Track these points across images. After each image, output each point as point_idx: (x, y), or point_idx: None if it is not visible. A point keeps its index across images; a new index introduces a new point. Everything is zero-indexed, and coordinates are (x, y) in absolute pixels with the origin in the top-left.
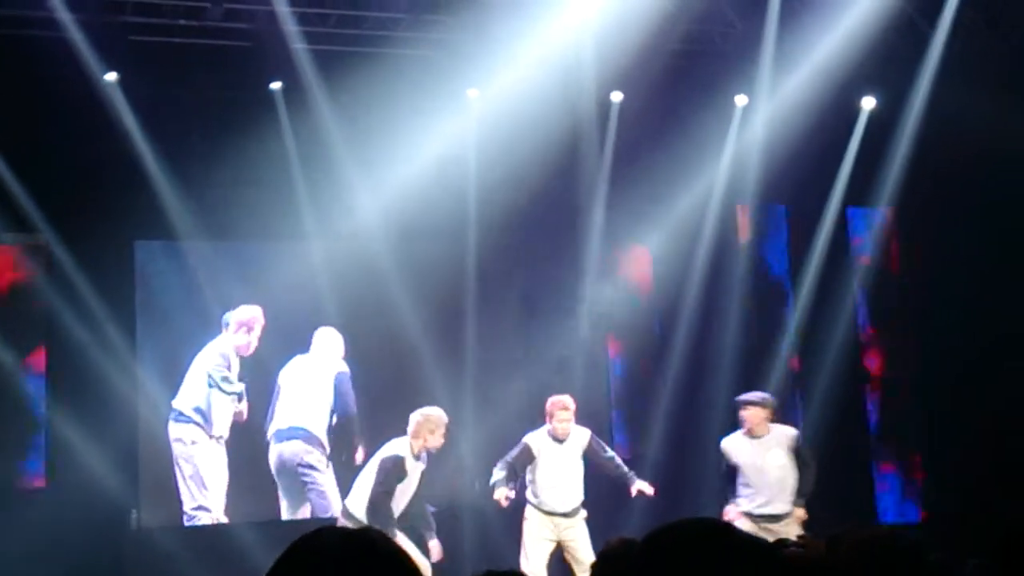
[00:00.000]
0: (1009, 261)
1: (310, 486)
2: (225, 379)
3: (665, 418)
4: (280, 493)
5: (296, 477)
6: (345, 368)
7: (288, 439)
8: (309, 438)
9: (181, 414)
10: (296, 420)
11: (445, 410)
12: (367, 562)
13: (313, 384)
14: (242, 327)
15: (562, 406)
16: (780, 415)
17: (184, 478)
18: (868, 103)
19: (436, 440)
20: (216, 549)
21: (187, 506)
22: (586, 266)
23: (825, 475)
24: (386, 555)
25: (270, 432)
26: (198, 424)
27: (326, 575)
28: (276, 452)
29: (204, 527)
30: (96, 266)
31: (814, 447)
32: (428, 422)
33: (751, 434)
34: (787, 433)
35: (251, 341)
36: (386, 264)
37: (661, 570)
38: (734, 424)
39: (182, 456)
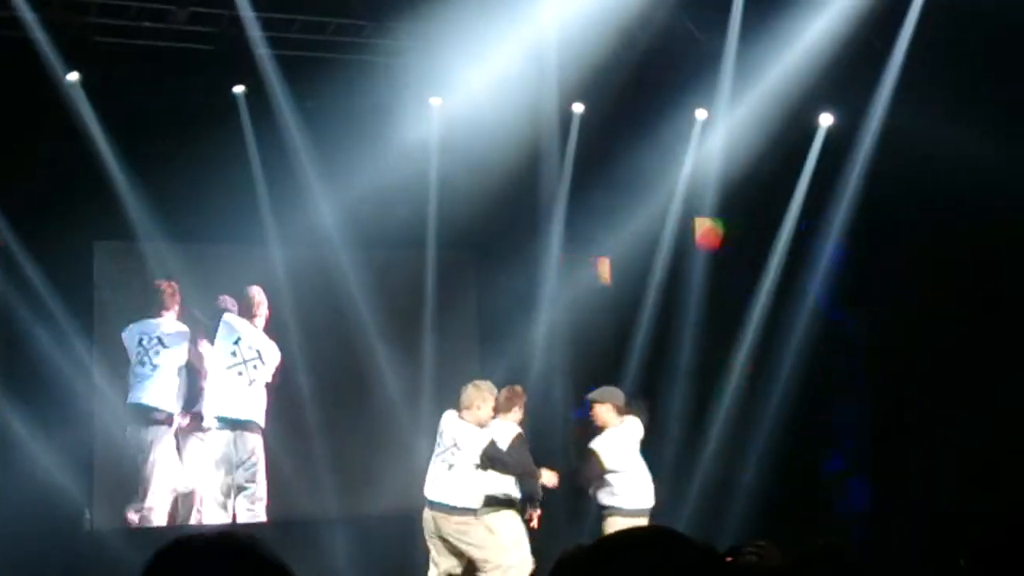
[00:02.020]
0: (963, 279)
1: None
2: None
3: None
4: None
5: None
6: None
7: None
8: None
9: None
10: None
11: (401, 417)
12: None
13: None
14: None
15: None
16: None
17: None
18: (826, 120)
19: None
20: None
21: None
22: (545, 275)
23: (780, 480)
24: (266, 558)
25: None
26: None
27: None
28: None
29: (156, 529)
30: (55, 266)
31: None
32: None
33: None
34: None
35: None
36: (345, 271)
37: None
38: (690, 433)
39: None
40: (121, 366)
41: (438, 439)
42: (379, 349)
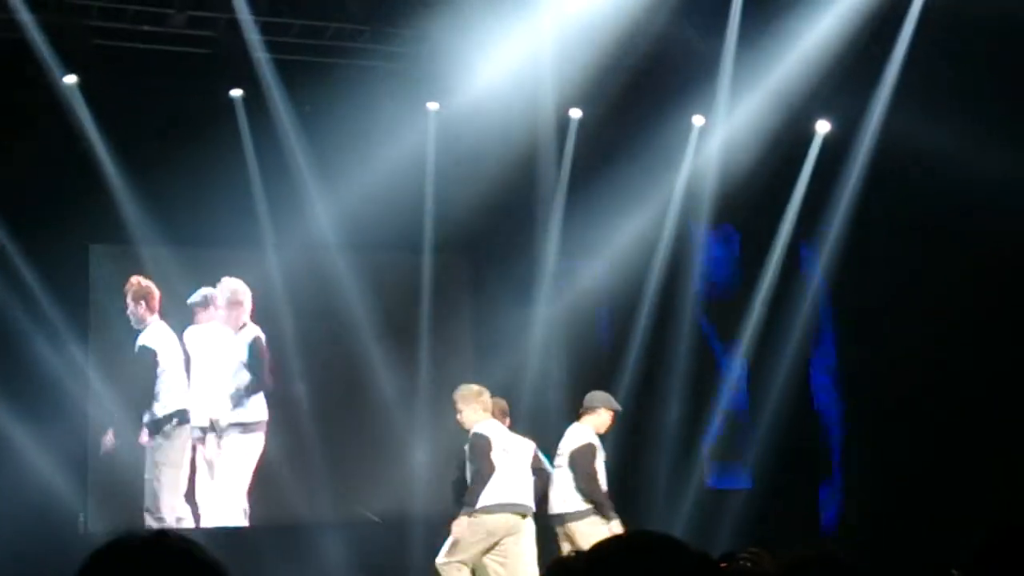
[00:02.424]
0: (960, 285)
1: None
2: None
3: (612, 434)
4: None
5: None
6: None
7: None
8: None
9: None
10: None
11: (397, 422)
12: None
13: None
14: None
15: None
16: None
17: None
18: (822, 127)
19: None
20: None
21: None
22: (542, 279)
23: (775, 486)
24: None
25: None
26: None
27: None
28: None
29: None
30: (50, 268)
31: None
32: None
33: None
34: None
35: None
36: (342, 274)
37: None
38: (685, 440)
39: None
40: (116, 368)
41: (497, 447)
42: (375, 353)
